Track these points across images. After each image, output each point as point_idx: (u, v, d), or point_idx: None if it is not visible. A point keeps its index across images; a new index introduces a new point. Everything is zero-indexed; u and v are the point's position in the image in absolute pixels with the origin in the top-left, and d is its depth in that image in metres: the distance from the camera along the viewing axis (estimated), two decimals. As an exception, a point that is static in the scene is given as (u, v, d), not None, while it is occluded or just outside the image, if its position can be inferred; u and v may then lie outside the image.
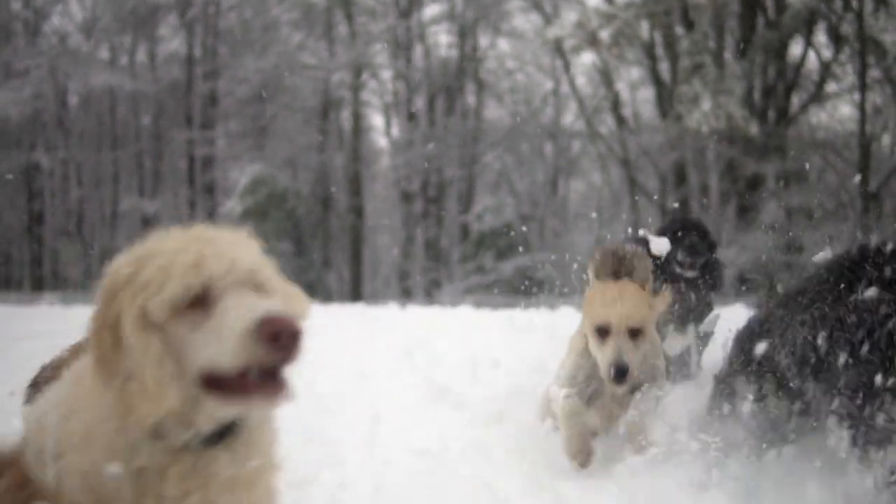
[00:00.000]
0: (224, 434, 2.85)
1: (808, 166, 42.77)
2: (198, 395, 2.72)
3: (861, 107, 41.50)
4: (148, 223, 48.31)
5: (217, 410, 2.78)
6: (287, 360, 2.65)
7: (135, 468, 2.75)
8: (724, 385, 5.70)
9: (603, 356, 5.76)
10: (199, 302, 2.72)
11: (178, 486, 2.78)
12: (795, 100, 44.01)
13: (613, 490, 5.41)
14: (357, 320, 14.17)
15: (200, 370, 2.70)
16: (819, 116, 45.22)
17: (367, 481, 5.44)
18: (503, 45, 51.59)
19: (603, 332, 5.80)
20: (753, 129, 38.42)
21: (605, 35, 40.15)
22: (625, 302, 5.85)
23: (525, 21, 49.61)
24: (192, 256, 2.77)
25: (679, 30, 42.11)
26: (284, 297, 3.03)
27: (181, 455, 2.77)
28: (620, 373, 5.65)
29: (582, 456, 5.82)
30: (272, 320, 2.61)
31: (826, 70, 43.52)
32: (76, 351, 4.35)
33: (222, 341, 2.64)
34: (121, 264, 2.85)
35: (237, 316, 2.65)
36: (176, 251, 2.79)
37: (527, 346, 8.52)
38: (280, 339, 2.60)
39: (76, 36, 50.26)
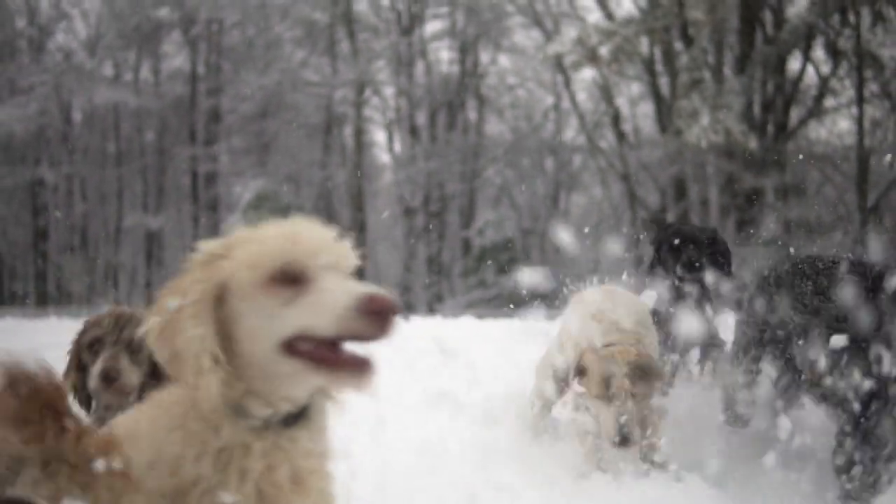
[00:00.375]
0: (299, 417, 3.04)
1: (806, 180, 43.09)
2: (273, 375, 2.93)
3: (859, 121, 41.65)
4: (152, 239, 48.65)
5: (301, 382, 2.96)
6: (383, 335, 2.83)
7: (216, 448, 2.96)
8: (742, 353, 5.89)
9: (607, 418, 5.84)
10: (292, 280, 2.90)
11: (264, 460, 2.99)
12: (795, 114, 44.20)
13: (611, 482, 5.80)
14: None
15: (290, 336, 2.87)
16: (818, 131, 45.39)
17: (375, 472, 5.68)
18: (504, 60, 52.01)
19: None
20: (752, 143, 38.59)
21: (604, 51, 40.42)
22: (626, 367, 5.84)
23: (526, 37, 50.03)
24: (288, 236, 3.01)
25: (678, 45, 42.37)
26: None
27: (263, 433, 2.97)
28: (624, 440, 5.74)
29: (596, 463, 6.11)
30: (375, 297, 2.83)
31: (824, 85, 43.68)
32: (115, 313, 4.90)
33: (323, 311, 2.85)
34: (212, 244, 3.08)
35: (341, 291, 2.88)
36: (272, 233, 3.04)
37: (524, 355, 8.71)
38: (381, 314, 2.81)
39: (80, 53, 50.38)
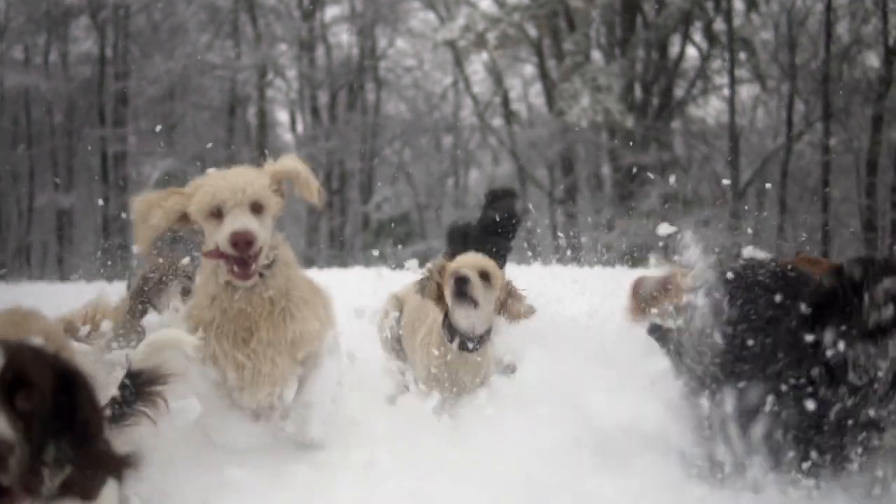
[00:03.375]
0: None
1: (690, 157, 45.13)
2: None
3: (731, 101, 44.10)
4: (63, 217, 49.34)
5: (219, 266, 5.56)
6: (246, 255, 5.33)
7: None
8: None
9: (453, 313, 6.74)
10: (217, 214, 5.42)
11: None
12: (680, 94, 46.32)
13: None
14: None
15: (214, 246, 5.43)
16: (705, 110, 47.44)
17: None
18: (401, 43, 53.09)
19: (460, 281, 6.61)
20: (629, 123, 40.76)
21: (491, 37, 42.33)
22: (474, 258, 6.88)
23: (421, 22, 51.49)
24: (212, 189, 5.39)
25: (564, 29, 44.16)
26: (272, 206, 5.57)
27: None
28: (461, 282, 6.55)
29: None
30: (237, 234, 5.24)
31: (702, 67, 45.88)
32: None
33: (221, 239, 5.34)
34: (193, 184, 5.62)
35: (225, 229, 5.29)
36: (210, 182, 5.47)
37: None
38: (238, 244, 5.26)
39: None
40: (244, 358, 5.57)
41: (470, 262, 6.81)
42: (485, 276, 6.71)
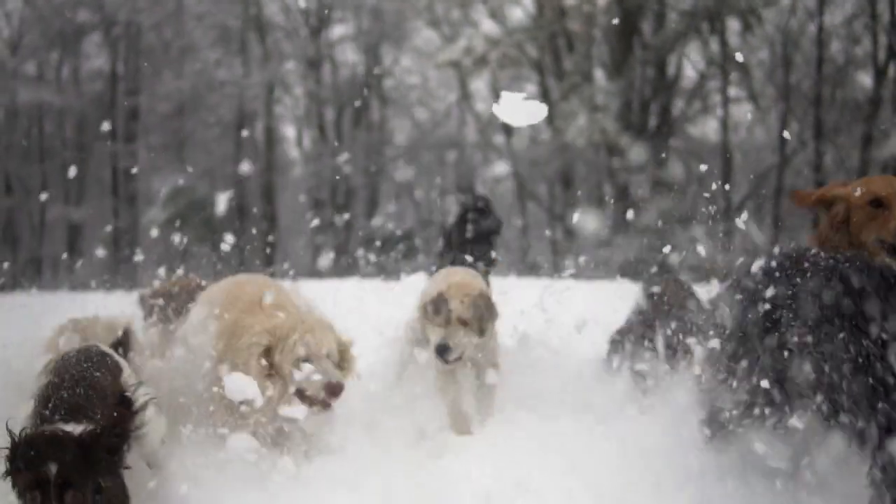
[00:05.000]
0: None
1: (690, 174, 45.65)
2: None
3: (724, 121, 44.92)
4: (74, 230, 50.07)
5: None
6: (334, 398, 6.08)
7: None
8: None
9: (434, 334, 7.11)
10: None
11: None
12: (678, 113, 46.93)
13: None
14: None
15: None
16: (704, 128, 48.04)
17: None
18: (406, 61, 53.68)
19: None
20: (624, 141, 41.58)
21: (492, 58, 43.17)
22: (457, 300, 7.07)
23: (425, 41, 51.72)
24: (301, 342, 6.12)
25: (564, 48, 44.97)
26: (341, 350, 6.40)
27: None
28: (441, 350, 6.98)
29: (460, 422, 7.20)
30: (329, 385, 6.03)
31: (699, 86, 46.63)
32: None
33: (313, 386, 6.07)
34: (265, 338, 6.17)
35: (318, 377, 6.06)
36: (296, 336, 6.15)
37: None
38: (331, 393, 6.05)
39: (3, 52, 50.57)
40: None
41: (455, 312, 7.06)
42: (465, 323, 7.05)
